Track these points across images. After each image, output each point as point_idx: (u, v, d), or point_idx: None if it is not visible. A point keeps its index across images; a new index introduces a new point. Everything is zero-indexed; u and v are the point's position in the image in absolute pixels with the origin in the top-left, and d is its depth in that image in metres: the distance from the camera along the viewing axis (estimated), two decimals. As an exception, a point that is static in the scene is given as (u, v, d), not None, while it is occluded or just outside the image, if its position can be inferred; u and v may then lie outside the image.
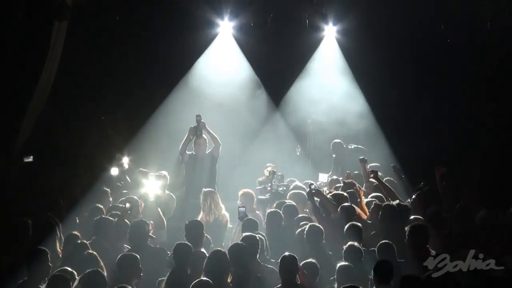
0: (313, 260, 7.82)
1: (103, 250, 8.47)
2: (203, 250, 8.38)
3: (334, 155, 13.74)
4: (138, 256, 7.77)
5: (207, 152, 12.06)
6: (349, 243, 8.16)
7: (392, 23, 14.50)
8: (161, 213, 10.17)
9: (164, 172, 11.87)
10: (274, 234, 8.92)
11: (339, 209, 9.33)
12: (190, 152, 12.08)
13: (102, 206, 10.05)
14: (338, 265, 7.75)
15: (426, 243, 8.37)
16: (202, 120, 12.04)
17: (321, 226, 8.75)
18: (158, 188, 11.01)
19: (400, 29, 14.53)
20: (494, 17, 14.23)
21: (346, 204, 9.42)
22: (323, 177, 12.32)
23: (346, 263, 7.77)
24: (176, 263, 7.85)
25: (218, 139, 12.08)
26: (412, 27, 14.51)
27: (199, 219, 10.06)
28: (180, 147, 12.11)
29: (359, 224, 8.74)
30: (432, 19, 14.56)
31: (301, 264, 7.69)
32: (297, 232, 8.96)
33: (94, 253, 8.04)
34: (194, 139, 12.03)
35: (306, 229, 8.65)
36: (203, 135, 12.06)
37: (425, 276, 7.13)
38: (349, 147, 13.72)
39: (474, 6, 14.10)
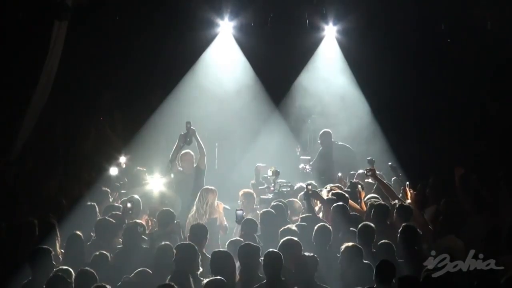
0: (314, 254, 7.80)
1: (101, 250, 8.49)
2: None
3: (320, 143, 13.68)
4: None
5: (194, 166, 11.76)
6: (383, 241, 8.24)
7: (392, 23, 14.51)
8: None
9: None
10: (268, 235, 8.90)
11: (331, 208, 9.24)
12: (179, 168, 11.75)
13: (95, 204, 9.99)
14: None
15: (416, 243, 8.40)
16: (192, 127, 11.76)
17: (330, 227, 8.72)
18: (162, 185, 11.02)
19: (400, 29, 14.54)
20: (494, 17, 14.24)
21: (339, 203, 9.32)
22: (304, 160, 12.49)
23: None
24: (178, 263, 7.77)
25: (204, 149, 11.79)
26: (412, 27, 14.52)
27: (189, 216, 10.12)
28: (171, 154, 11.78)
29: (372, 224, 8.72)
30: (432, 19, 14.57)
31: None
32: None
33: (98, 252, 8.08)
34: (181, 156, 11.73)
35: (315, 228, 8.60)
36: (189, 151, 11.81)
37: (425, 276, 7.13)
38: (337, 143, 13.69)
39: (474, 6, 14.11)
